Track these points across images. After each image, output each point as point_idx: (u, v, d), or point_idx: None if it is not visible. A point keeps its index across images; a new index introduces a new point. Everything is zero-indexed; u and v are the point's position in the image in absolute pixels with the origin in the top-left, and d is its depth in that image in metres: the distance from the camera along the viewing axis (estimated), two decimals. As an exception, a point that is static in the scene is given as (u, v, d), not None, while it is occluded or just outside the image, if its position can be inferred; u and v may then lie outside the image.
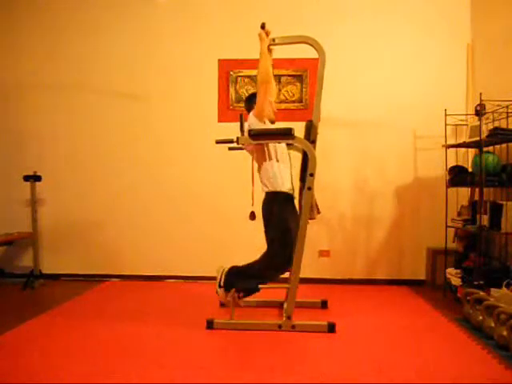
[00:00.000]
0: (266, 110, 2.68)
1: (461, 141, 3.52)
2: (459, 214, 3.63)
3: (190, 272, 3.95)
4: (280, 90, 3.93)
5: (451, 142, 3.60)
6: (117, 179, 4.04)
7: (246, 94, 3.92)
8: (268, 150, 2.73)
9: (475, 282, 2.92)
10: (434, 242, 3.74)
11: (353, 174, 3.91)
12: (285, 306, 2.81)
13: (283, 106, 3.88)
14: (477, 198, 3.31)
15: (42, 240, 4.06)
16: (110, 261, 4.05)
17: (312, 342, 2.46)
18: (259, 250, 2.76)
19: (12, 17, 4.09)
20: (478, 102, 3.02)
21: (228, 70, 3.95)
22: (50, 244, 4.09)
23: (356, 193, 3.91)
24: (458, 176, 3.38)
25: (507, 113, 3.05)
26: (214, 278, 3.92)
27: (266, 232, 2.77)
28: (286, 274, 3.07)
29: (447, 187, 3.47)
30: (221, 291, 2.76)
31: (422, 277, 3.85)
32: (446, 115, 3.47)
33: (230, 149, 3.13)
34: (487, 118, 3.21)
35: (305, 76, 3.91)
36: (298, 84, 3.93)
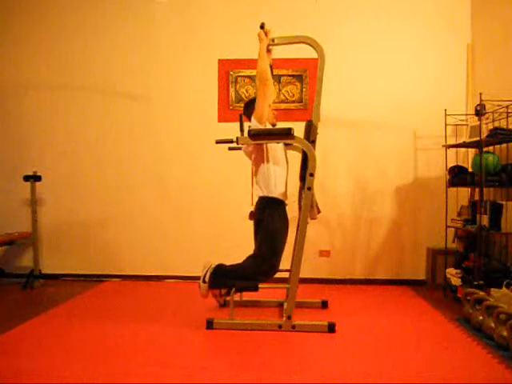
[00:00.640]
0: (266, 113, 2.67)
1: (461, 141, 3.52)
2: (459, 214, 3.63)
3: (190, 272, 3.95)
4: (280, 90, 3.93)
5: (451, 142, 3.60)
6: (117, 179, 4.05)
7: (246, 94, 3.93)
8: (266, 152, 2.72)
9: (475, 282, 2.92)
10: (434, 242, 3.74)
11: (353, 173, 3.91)
12: (285, 305, 2.81)
13: (283, 106, 3.88)
14: (477, 198, 3.31)
15: (42, 240, 4.06)
16: (110, 261, 4.05)
17: (312, 342, 2.46)
18: (259, 250, 2.76)
19: (12, 17, 4.09)
20: (478, 102, 3.02)
21: (228, 70, 3.95)
22: (50, 244, 4.09)
23: (356, 193, 3.91)
24: (457, 176, 3.38)
25: (507, 113, 3.05)
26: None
27: (256, 235, 2.77)
28: (286, 274, 3.08)
29: (447, 187, 3.47)
30: (203, 286, 2.74)
31: (422, 277, 3.85)
32: (446, 115, 3.47)
33: (230, 149, 3.13)
34: (487, 118, 3.21)
35: (305, 76, 3.91)
36: (298, 84, 3.93)
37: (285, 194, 2.78)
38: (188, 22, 4.00)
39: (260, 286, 2.70)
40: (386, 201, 3.90)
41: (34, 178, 3.86)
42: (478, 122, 3.03)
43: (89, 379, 1.99)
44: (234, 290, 2.70)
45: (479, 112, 3.00)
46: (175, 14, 4.00)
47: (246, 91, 3.94)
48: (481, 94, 3.02)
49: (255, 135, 2.59)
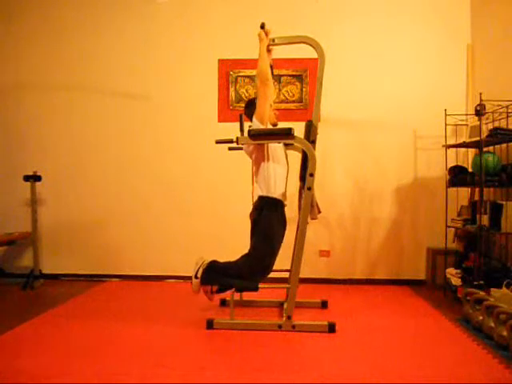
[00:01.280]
0: (268, 113, 2.67)
1: (461, 141, 3.52)
2: (459, 214, 3.63)
3: (190, 272, 3.92)
4: (280, 90, 3.93)
5: (451, 142, 3.60)
6: (117, 179, 4.05)
7: (246, 94, 3.93)
8: (267, 152, 2.72)
9: (475, 282, 2.92)
10: (434, 242, 3.74)
11: (353, 173, 3.91)
12: (285, 305, 2.81)
13: (283, 106, 3.88)
14: (477, 198, 3.31)
15: (41, 240, 4.06)
16: (110, 261, 4.05)
17: (312, 342, 2.46)
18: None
19: (12, 17, 4.09)
20: (478, 102, 3.02)
21: (228, 70, 3.95)
22: (50, 244, 4.09)
23: (356, 193, 3.91)
24: (457, 176, 3.38)
25: (507, 113, 3.05)
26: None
27: (252, 235, 2.76)
28: (286, 274, 3.08)
29: (447, 187, 3.47)
30: (195, 282, 2.73)
31: (422, 277, 3.85)
32: (446, 115, 3.47)
33: (230, 149, 3.13)
34: (487, 118, 3.21)
35: (305, 76, 3.91)
36: (298, 84, 3.93)
37: (284, 194, 2.77)
38: (188, 22, 4.00)
39: (260, 286, 2.69)
40: (386, 201, 3.90)
41: (34, 178, 3.86)
42: (478, 122, 3.03)
43: (89, 379, 1.99)
44: (232, 289, 2.69)
45: (479, 112, 3.00)
46: (175, 14, 4.00)
47: (246, 91, 3.94)
48: (481, 94, 3.02)
49: (255, 135, 2.59)
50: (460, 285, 3.17)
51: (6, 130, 4.11)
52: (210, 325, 2.66)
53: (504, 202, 2.96)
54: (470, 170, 3.38)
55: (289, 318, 2.62)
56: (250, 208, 2.80)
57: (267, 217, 2.69)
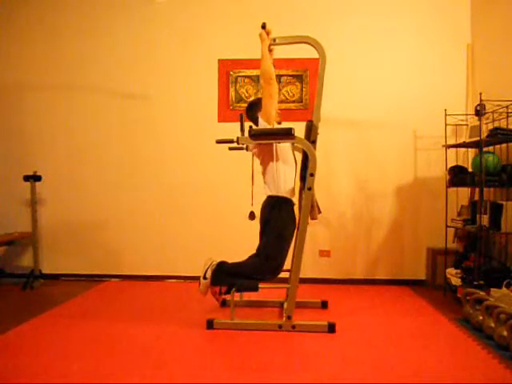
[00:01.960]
0: (274, 112, 2.67)
1: (461, 141, 3.52)
2: (459, 214, 3.63)
3: (190, 272, 3.95)
4: (280, 90, 3.92)
5: (451, 142, 3.60)
6: (117, 179, 4.05)
7: (246, 94, 3.94)
8: (275, 152, 2.72)
9: (475, 282, 2.92)
10: (434, 242, 3.74)
11: (353, 173, 3.91)
12: (285, 305, 2.81)
13: (283, 106, 3.88)
14: (477, 198, 3.31)
15: (41, 240, 4.06)
16: (110, 261, 4.05)
17: (312, 342, 2.46)
18: (259, 250, 2.76)
19: (12, 17, 4.09)
20: (478, 102, 3.02)
21: (228, 70, 3.95)
22: (49, 244, 4.09)
23: (356, 193, 3.91)
24: (457, 176, 3.38)
25: (507, 113, 3.05)
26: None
27: (261, 235, 2.77)
28: (286, 274, 3.08)
29: (447, 187, 3.47)
30: (204, 283, 2.73)
31: (422, 277, 3.85)
32: (446, 115, 3.47)
33: (231, 149, 3.13)
34: (487, 118, 3.21)
35: (305, 76, 3.91)
36: (298, 84, 3.93)
37: (293, 190, 2.78)
38: (188, 22, 4.00)
39: (260, 285, 2.69)
40: (386, 201, 3.90)
41: (34, 178, 3.86)
42: (478, 122, 3.03)
43: (89, 379, 1.99)
44: (234, 289, 2.70)
45: (479, 112, 3.00)
46: (175, 14, 4.00)
47: (246, 91, 3.94)
48: (481, 94, 3.02)
49: (255, 135, 2.59)
50: (460, 285, 3.17)
51: (6, 130, 4.11)
52: (210, 325, 2.66)
53: (504, 202, 2.96)
54: (470, 169, 3.38)
55: (289, 317, 2.62)
56: (250, 208, 2.80)
57: (278, 216, 2.70)
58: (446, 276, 3.41)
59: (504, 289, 2.68)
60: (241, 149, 3.00)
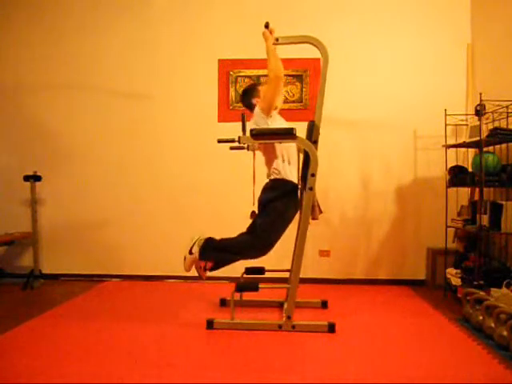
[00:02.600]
0: (274, 106, 2.68)
1: (461, 141, 3.52)
2: (459, 214, 3.63)
3: (190, 272, 3.94)
4: (280, 90, 3.92)
5: (451, 142, 3.60)
6: (117, 179, 4.05)
7: (246, 94, 3.93)
8: (280, 150, 2.74)
9: (475, 282, 2.92)
10: (434, 242, 3.74)
11: (353, 173, 3.91)
12: (285, 306, 2.81)
13: (283, 106, 3.87)
14: (477, 198, 3.31)
15: (41, 240, 4.06)
16: (110, 261, 4.05)
17: (312, 342, 2.46)
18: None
19: (12, 17, 4.09)
20: (478, 102, 3.02)
21: (228, 70, 3.95)
22: (49, 244, 4.09)
23: (356, 193, 3.91)
24: (457, 176, 3.38)
25: (507, 113, 3.05)
26: (212, 278, 3.94)
27: (260, 213, 2.75)
28: (286, 274, 3.08)
29: (447, 187, 3.47)
30: (189, 258, 2.74)
31: (422, 277, 3.85)
32: (446, 115, 3.47)
33: (232, 148, 3.12)
34: (487, 118, 3.21)
35: (305, 76, 3.91)
36: (298, 84, 3.93)
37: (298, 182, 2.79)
38: (188, 22, 4.00)
39: (260, 285, 2.69)
40: (386, 201, 3.90)
41: (34, 178, 3.86)
42: (478, 122, 3.03)
43: (89, 379, 1.98)
44: (228, 265, 2.71)
45: (479, 112, 3.00)
46: (175, 14, 4.00)
47: (246, 91, 3.93)
48: (481, 94, 3.02)
49: (257, 135, 2.59)
50: (460, 285, 3.17)
51: (6, 130, 4.11)
52: (210, 325, 2.66)
53: (504, 202, 2.96)
54: (470, 169, 3.38)
55: (289, 317, 2.62)
56: (251, 208, 2.80)
57: (282, 197, 2.70)
58: (446, 276, 3.41)
59: (504, 289, 2.68)
60: (242, 148, 2.99)
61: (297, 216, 2.81)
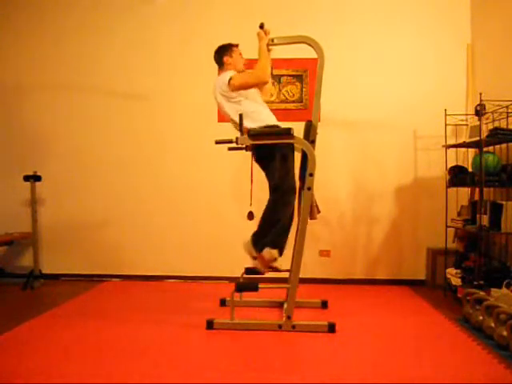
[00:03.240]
0: (244, 88, 2.73)
1: (461, 141, 3.52)
2: (459, 214, 3.63)
3: (190, 272, 3.96)
4: (280, 90, 3.92)
5: (451, 142, 3.60)
6: (117, 179, 4.05)
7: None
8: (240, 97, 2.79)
9: (475, 282, 2.92)
10: (434, 242, 3.74)
11: (353, 173, 3.91)
12: (285, 306, 2.81)
13: (283, 106, 3.88)
14: (477, 198, 3.31)
15: (41, 240, 4.06)
16: (110, 261, 4.05)
17: (312, 342, 2.46)
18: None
19: (12, 17, 4.09)
20: (478, 102, 3.02)
21: (228, 69, 3.94)
22: (49, 244, 4.09)
23: (356, 193, 3.91)
24: (457, 176, 3.38)
25: (507, 113, 3.05)
26: (212, 278, 3.95)
27: (269, 175, 2.77)
28: (286, 274, 3.07)
29: (447, 187, 3.47)
30: (258, 261, 2.73)
31: (422, 277, 3.85)
32: (446, 115, 3.47)
33: (230, 149, 3.12)
34: (487, 118, 3.21)
35: (305, 76, 3.91)
36: (298, 84, 3.93)
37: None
38: (188, 22, 4.00)
39: (260, 286, 2.69)
40: (386, 201, 3.90)
41: (34, 178, 3.86)
42: (478, 122, 3.03)
43: (89, 379, 1.98)
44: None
45: (479, 112, 3.00)
46: (175, 14, 4.00)
47: (246, 91, 3.93)
48: (481, 94, 3.02)
49: (254, 135, 2.59)
50: (460, 285, 3.17)
51: (7, 130, 4.11)
52: (210, 325, 2.66)
53: (504, 202, 2.96)
54: (470, 169, 3.38)
55: (289, 317, 2.62)
56: (249, 208, 2.80)
57: (271, 150, 2.69)
58: (445, 276, 3.41)
59: (504, 289, 2.68)
60: (240, 149, 2.99)
61: (296, 217, 2.81)
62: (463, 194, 3.70)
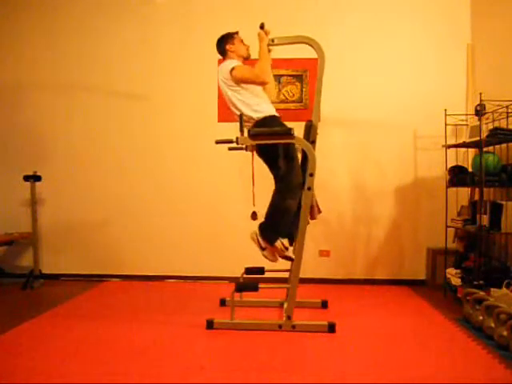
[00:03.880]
0: (244, 81, 2.71)
1: (461, 141, 3.52)
2: (459, 214, 3.63)
3: (190, 272, 3.96)
4: (280, 90, 3.92)
5: (451, 142, 3.60)
6: (117, 179, 4.05)
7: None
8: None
9: (475, 282, 2.91)
10: (434, 242, 3.74)
11: (353, 173, 3.91)
12: (285, 305, 2.81)
13: (283, 105, 3.88)
14: (477, 198, 3.31)
15: (41, 240, 4.06)
16: (110, 261, 4.05)
17: (312, 342, 2.46)
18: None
19: (12, 17, 4.09)
20: (478, 102, 3.02)
21: (228, 69, 3.94)
22: (49, 244, 4.09)
23: (356, 193, 3.91)
24: (457, 176, 3.38)
25: (507, 113, 3.05)
26: (212, 278, 3.95)
27: (272, 169, 2.75)
28: (286, 274, 3.07)
29: (447, 187, 3.47)
30: (267, 251, 2.71)
31: (422, 277, 3.85)
32: (446, 115, 3.46)
33: (230, 149, 3.12)
34: (487, 118, 3.21)
35: (305, 76, 3.91)
36: (298, 84, 3.93)
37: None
38: (187, 22, 4.00)
39: (260, 286, 2.69)
40: (386, 201, 3.90)
41: (34, 178, 3.86)
42: (478, 122, 3.03)
43: (88, 379, 1.98)
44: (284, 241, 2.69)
45: (479, 112, 3.00)
46: (174, 14, 4.00)
47: (246, 91, 3.93)
48: (481, 94, 3.02)
49: (255, 135, 2.59)
50: (460, 285, 3.17)
51: (6, 129, 4.11)
52: (210, 325, 2.66)
53: (504, 202, 2.96)
54: (470, 169, 3.38)
55: (289, 317, 2.62)
56: (251, 208, 2.80)
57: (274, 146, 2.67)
58: (445, 276, 3.41)
59: (504, 289, 2.67)
60: (240, 149, 2.99)
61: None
62: (463, 194, 3.70)
